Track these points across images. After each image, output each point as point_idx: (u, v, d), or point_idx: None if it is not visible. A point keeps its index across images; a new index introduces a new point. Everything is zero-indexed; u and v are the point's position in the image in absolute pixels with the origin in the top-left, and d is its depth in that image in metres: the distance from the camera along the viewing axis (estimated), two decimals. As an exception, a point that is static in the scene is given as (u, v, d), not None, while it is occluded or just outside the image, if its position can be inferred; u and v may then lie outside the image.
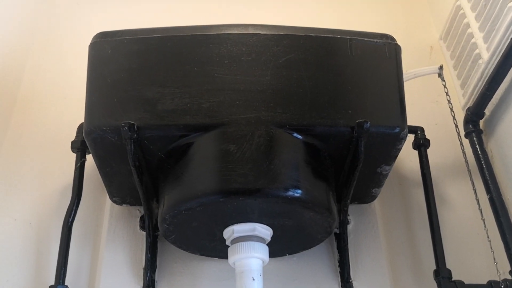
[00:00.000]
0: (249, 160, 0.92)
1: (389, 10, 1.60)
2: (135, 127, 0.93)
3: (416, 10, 1.60)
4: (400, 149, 1.02)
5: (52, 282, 1.06)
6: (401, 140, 0.99)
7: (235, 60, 0.99)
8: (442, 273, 1.07)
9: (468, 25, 1.31)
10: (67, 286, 1.06)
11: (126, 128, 0.93)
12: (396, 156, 1.03)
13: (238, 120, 0.94)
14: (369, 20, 1.57)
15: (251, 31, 1.02)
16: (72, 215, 1.10)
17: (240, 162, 0.92)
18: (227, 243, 1.00)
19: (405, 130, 0.98)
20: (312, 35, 1.02)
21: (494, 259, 1.12)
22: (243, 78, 0.97)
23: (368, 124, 0.94)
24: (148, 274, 1.08)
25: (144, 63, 0.98)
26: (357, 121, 0.95)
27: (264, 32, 1.02)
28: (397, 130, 0.97)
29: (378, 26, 1.51)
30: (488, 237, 1.13)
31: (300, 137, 0.96)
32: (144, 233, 1.11)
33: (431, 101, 1.38)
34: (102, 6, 1.58)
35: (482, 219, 1.15)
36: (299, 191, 0.92)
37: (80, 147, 1.14)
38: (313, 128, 0.96)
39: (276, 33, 1.02)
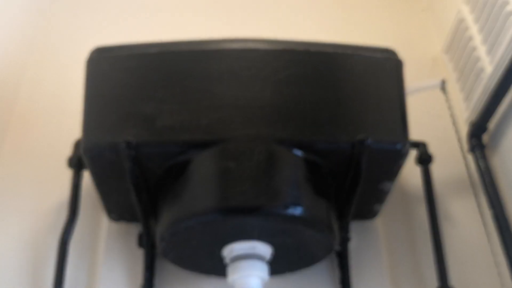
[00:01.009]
0: (249, 178, 0.90)
1: (391, 22, 1.59)
2: (133, 144, 0.92)
3: (419, 22, 1.59)
4: (402, 165, 1.00)
5: (49, 301, 1.04)
6: (402, 156, 0.98)
7: (234, 75, 0.97)
8: (445, 291, 1.06)
9: (470, 38, 1.29)
10: (63, 304, 1.05)
11: (124, 145, 0.91)
12: (398, 172, 1.02)
13: (237, 136, 0.93)
14: (370, 32, 1.56)
15: (250, 45, 1.01)
16: (68, 232, 1.08)
17: (240, 179, 0.90)
18: (227, 261, 0.98)
19: (407, 146, 0.97)
20: (313, 50, 1.01)
21: (501, 275, 1.10)
22: (243, 94, 0.96)
23: (370, 140, 0.93)
24: (146, 292, 1.07)
25: (142, 79, 0.97)
26: (358, 137, 0.94)
27: (264, 47, 1.01)
28: (398, 146, 0.96)
29: (380, 38, 1.51)
30: (494, 254, 1.12)
31: (300, 153, 0.95)
32: (142, 250, 1.10)
33: (433, 115, 1.37)
34: (100, 19, 1.57)
35: (488, 236, 1.13)
36: (300, 209, 0.91)
37: (77, 163, 1.12)
38: (313, 144, 0.95)
39: (276, 48, 1.01)
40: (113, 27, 1.54)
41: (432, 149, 1.22)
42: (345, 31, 1.55)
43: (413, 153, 1.21)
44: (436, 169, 1.21)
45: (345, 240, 1.10)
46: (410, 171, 1.23)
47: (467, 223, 1.21)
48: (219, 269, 1.03)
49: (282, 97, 0.96)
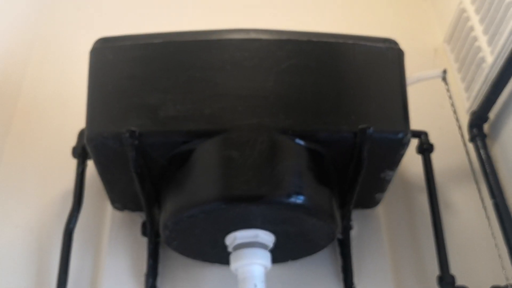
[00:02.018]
0: (252, 167, 0.91)
1: (393, 12, 1.59)
2: (137, 133, 0.93)
3: (420, 12, 1.59)
4: (403, 155, 1.01)
5: (54, 289, 1.05)
6: (404, 145, 0.98)
7: (237, 65, 0.98)
8: (445, 279, 1.07)
9: (472, 28, 1.30)
10: (68, 292, 1.06)
11: (127, 134, 0.92)
12: (399, 161, 1.03)
13: (240, 126, 0.94)
14: (372, 22, 1.56)
15: (253, 36, 1.01)
16: (73, 221, 1.09)
17: (243, 168, 0.91)
18: (230, 249, 0.99)
19: (408, 136, 0.97)
20: (315, 40, 1.01)
21: (501, 258, 1.11)
22: (245, 84, 0.96)
23: (371, 129, 0.94)
24: (150, 281, 1.08)
25: (145, 69, 0.98)
26: (360, 126, 0.94)
27: (267, 37, 1.01)
28: (400, 135, 0.97)
29: (381, 28, 1.52)
30: (495, 243, 1.12)
31: (303, 143, 0.95)
32: (146, 239, 1.10)
33: (435, 105, 1.37)
34: (103, 12, 1.57)
35: (489, 224, 1.14)
36: (302, 197, 0.92)
37: (81, 153, 1.13)
38: (316, 134, 0.95)
39: (279, 38, 1.01)
40: (115, 22, 1.54)
41: (433, 138, 1.22)
42: (347, 22, 1.55)
43: (414, 143, 1.22)
44: (437, 158, 1.21)
45: (347, 229, 1.11)
46: (411, 160, 1.23)
47: (468, 212, 1.22)
48: (222, 257, 1.04)
49: (284, 87, 0.97)
